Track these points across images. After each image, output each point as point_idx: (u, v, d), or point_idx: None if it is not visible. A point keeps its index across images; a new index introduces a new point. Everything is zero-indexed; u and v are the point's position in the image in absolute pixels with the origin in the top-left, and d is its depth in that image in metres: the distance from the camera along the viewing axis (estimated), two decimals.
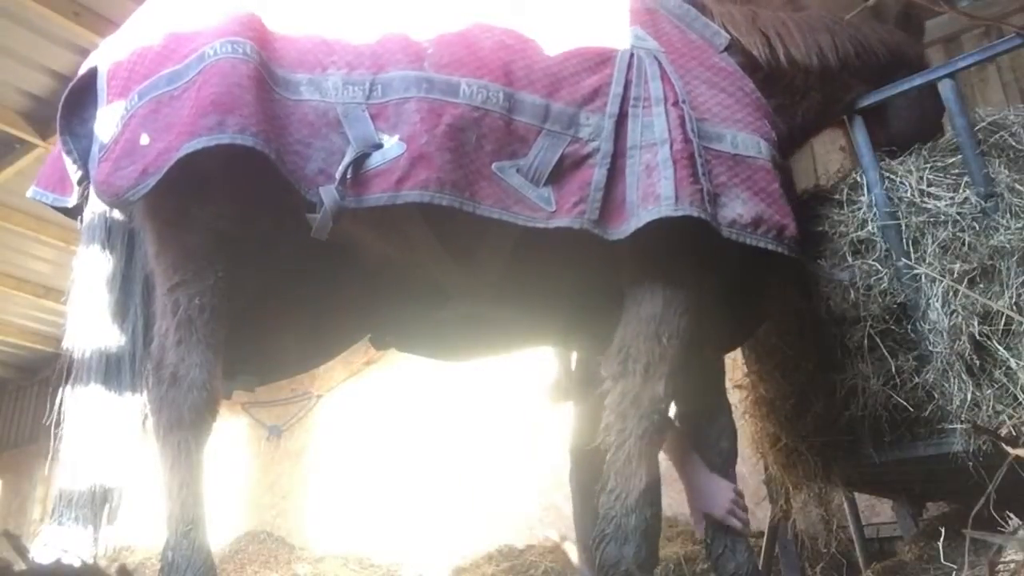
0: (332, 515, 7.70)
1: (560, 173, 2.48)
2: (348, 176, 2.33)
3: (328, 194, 2.31)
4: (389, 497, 7.27)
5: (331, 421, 8.14)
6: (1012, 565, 1.76)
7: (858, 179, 3.09)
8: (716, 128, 2.64)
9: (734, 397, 3.46)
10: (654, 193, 2.43)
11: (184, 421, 2.38)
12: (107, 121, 2.41)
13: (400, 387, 7.54)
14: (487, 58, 2.54)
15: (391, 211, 2.41)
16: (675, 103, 2.58)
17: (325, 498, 7.84)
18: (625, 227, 2.45)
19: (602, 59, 2.66)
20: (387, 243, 2.70)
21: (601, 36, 2.74)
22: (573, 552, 2.77)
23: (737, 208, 2.54)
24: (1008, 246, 2.67)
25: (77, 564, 2.30)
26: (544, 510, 6.32)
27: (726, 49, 2.91)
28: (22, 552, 1.90)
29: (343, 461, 7.82)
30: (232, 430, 8.88)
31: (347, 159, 2.33)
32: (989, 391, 2.63)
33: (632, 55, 2.68)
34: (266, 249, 2.64)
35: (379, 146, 2.37)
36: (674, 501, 5.50)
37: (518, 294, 2.94)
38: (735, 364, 3.58)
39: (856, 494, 3.90)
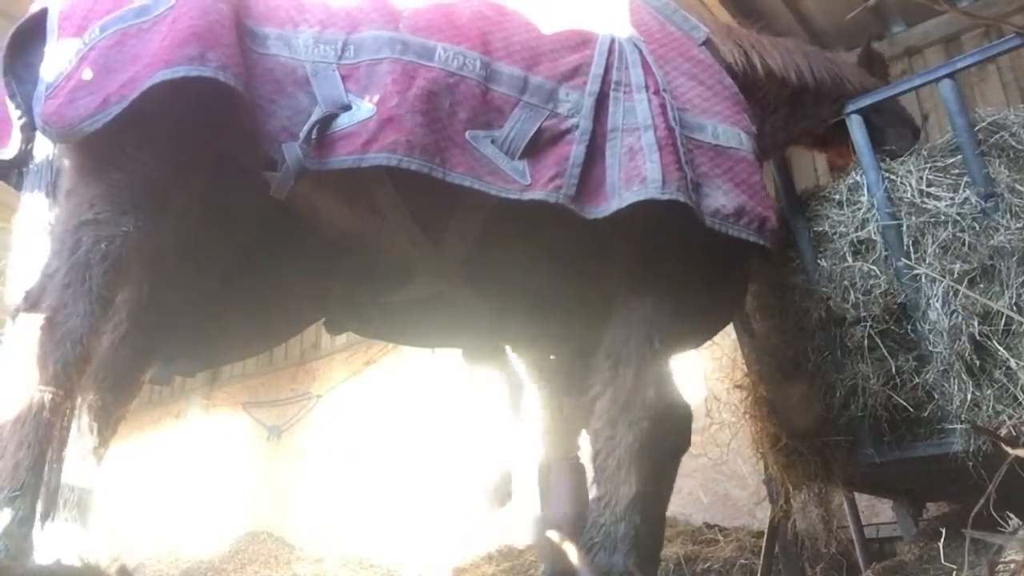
0: (333, 515, 7.69)
1: (537, 147, 2.41)
2: (313, 136, 2.24)
3: (291, 151, 2.22)
4: (389, 497, 7.26)
5: (331, 421, 8.13)
6: (1012, 565, 1.76)
7: (858, 180, 3.08)
8: (697, 118, 2.60)
9: (734, 397, 3.45)
10: (639, 176, 2.38)
11: (48, 375, 2.05)
12: (58, 58, 2.25)
13: (400, 387, 7.53)
14: (465, 26, 2.48)
15: (359, 175, 2.31)
16: (656, 91, 2.54)
17: (325, 498, 7.82)
18: (605, 207, 2.38)
19: (582, 40, 2.62)
20: (353, 211, 2.59)
21: (581, 20, 2.69)
22: (573, 552, 2.77)
23: (719, 199, 2.49)
24: (1008, 246, 2.67)
25: (77, 564, 2.30)
26: None
27: (704, 44, 2.88)
28: None
29: (343, 461, 7.80)
30: (232, 430, 8.87)
31: (313, 118, 2.24)
32: (989, 391, 2.63)
33: (613, 40, 2.64)
34: (219, 227, 2.52)
35: (348, 108, 2.28)
36: (673, 501, 5.51)
37: (483, 279, 2.87)
38: (735, 364, 3.58)
39: (856, 494, 3.89)
